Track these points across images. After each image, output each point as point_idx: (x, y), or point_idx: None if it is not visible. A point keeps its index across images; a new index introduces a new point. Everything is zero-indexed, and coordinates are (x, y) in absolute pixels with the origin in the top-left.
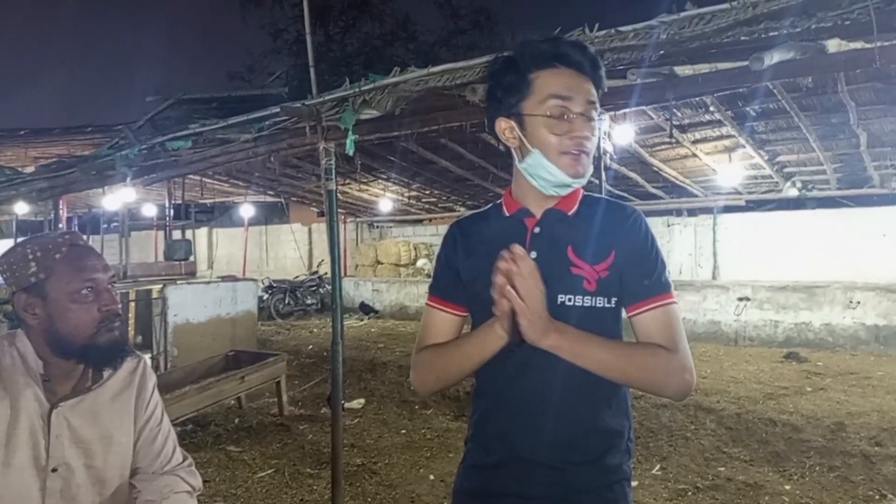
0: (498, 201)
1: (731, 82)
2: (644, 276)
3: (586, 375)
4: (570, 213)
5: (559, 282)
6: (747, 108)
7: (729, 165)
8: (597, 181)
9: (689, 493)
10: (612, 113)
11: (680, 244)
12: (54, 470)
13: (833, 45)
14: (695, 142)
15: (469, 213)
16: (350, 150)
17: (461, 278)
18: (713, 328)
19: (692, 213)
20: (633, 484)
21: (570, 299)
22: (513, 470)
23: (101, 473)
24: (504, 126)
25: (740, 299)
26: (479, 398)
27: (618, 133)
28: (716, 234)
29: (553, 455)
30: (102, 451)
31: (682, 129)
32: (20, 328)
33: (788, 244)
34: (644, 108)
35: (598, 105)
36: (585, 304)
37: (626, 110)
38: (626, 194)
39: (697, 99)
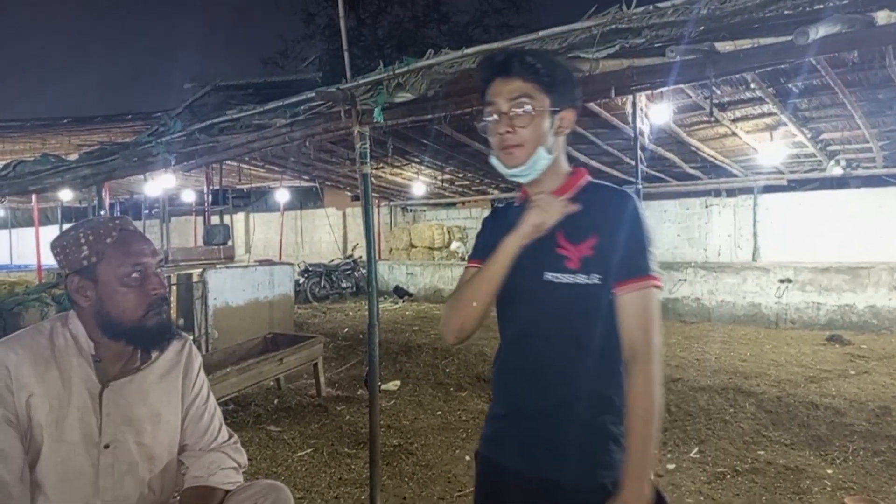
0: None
1: (774, 58)
2: (625, 258)
3: (580, 348)
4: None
5: (546, 260)
6: (790, 85)
7: (770, 144)
8: (632, 162)
9: (728, 477)
10: (648, 92)
11: (719, 225)
12: (106, 446)
13: (882, 16)
14: (735, 120)
15: (505, 201)
16: (378, 118)
17: (488, 249)
18: (753, 311)
19: (731, 193)
20: (670, 467)
21: (554, 276)
22: (515, 420)
23: (150, 450)
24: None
25: (781, 281)
26: (495, 361)
27: (655, 112)
28: (756, 214)
29: (548, 411)
30: (152, 428)
31: (722, 107)
32: (72, 310)
33: (832, 224)
34: (682, 86)
35: (532, 95)
36: (567, 281)
37: (664, 89)
38: (662, 175)
39: (738, 76)
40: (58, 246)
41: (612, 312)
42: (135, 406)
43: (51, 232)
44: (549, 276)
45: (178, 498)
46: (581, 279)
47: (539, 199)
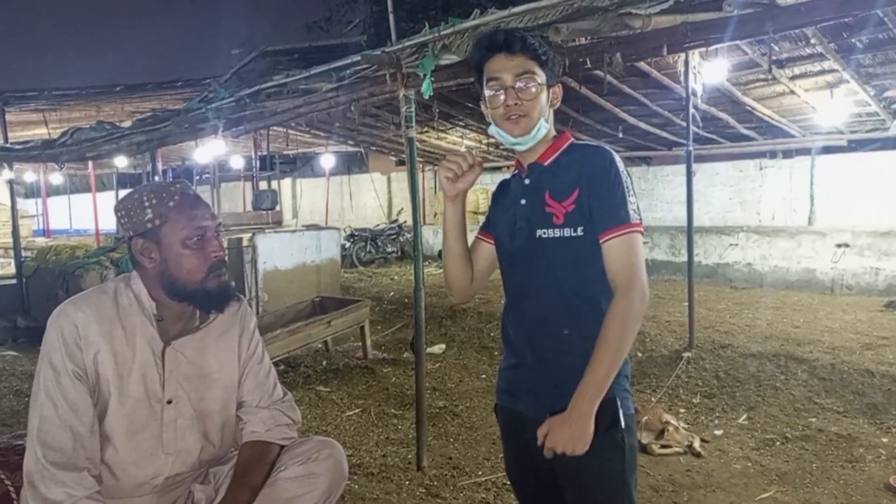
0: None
1: (838, 11)
2: (605, 209)
3: (572, 297)
4: (546, 164)
5: (538, 219)
6: (853, 40)
7: (830, 102)
8: (683, 123)
9: (777, 443)
10: (702, 49)
11: (773, 188)
12: (169, 402)
13: None
14: (793, 78)
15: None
16: (426, 94)
17: (491, 221)
18: (807, 276)
19: (787, 154)
20: (717, 433)
21: (545, 233)
22: (522, 371)
23: (210, 406)
24: (483, 107)
25: (838, 245)
26: (502, 319)
27: (708, 71)
28: (813, 176)
29: (549, 359)
30: (211, 385)
31: (780, 64)
32: (135, 271)
33: (894, 187)
34: (738, 42)
35: (535, 71)
36: (555, 235)
37: (719, 45)
38: (715, 136)
39: (798, 31)
40: (122, 209)
41: (598, 261)
42: (195, 364)
43: (107, 198)
44: (540, 232)
45: (237, 451)
46: (567, 232)
47: (444, 162)
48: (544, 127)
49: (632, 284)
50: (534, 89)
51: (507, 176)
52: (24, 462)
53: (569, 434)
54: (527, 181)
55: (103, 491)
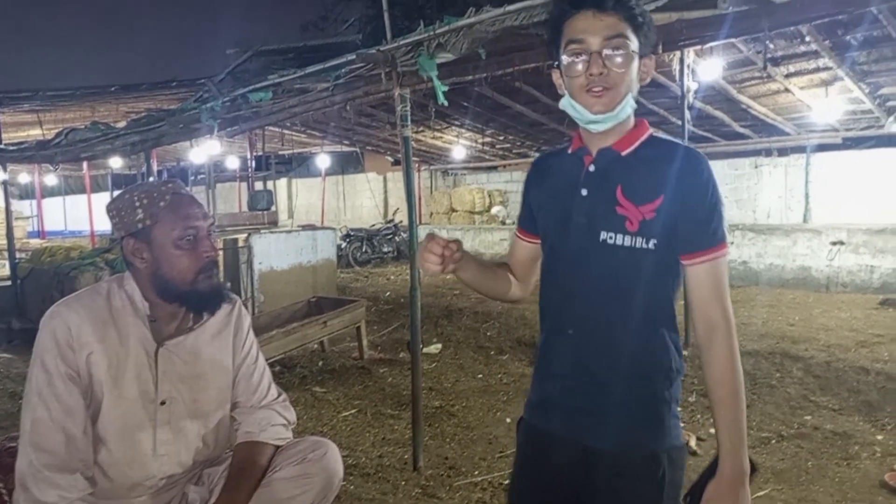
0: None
1: (833, 8)
2: (699, 227)
3: (625, 308)
4: (623, 154)
5: (604, 219)
6: (848, 37)
7: (825, 100)
8: (678, 122)
9: (773, 441)
10: (697, 47)
11: (769, 186)
12: (163, 403)
13: None
14: (788, 75)
15: (548, 150)
16: (440, 100)
17: (532, 209)
18: (803, 274)
19: (783, 152)
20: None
21: (611, 237)
22: (560, 386)
23: (204, 406)
24: (556, 76)
25: (833, 243)
26: (542, 321)
27: (703, 69)
28: (808, 174)
29: (594, 376)
30: (205, 385)
31: (775, 61)
32: (128, 272)
33: (889, 184)
34: (733, 40)
35: (628, 35)
36: (625, 244)
37: (715, 43)
38: (710, 134)
39: (793, 29)
40: (113, 209)
41: (664, 278)
42: (188, 364)
43: (102, 198)
44: (604, 235)
45: (231, 452)
46: (639, 243)
47: (421, 262)
48: (630, 105)
49: (728, 325)
50: (624, 58)
51: (554, 151)
52: (16, 464)
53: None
54: (591, 168)
55: (97, 493)
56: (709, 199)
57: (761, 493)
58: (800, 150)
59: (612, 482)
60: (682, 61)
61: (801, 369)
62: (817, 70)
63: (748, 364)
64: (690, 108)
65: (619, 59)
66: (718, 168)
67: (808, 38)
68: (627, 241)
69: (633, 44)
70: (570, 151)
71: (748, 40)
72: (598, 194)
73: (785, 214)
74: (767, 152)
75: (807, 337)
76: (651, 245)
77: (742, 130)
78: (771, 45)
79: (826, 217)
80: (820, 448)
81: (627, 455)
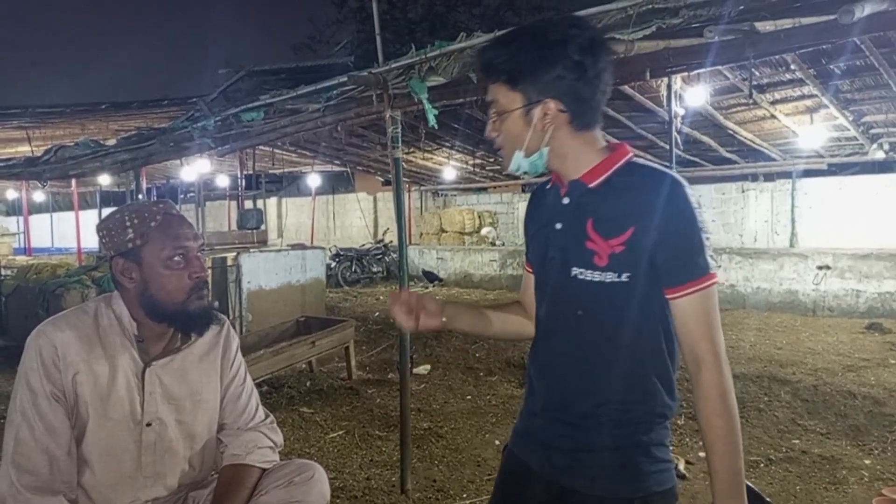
0: None
1: (816, 38)
2: (678, 258)
3: (604, 347)
4: (591, 185)
5: (574, 254)
6: (832, 66)
7: (810, 127)
8: (666, 146)
9: (762, 465)
10: (684, 74)
11: (755, 211)
12: (149, 424)
13: None
14: (774, 102)
15: (542, 182)
16: (431, 122)
17: (528, 243)
18: (790, 298)
19: (769, 177)
20: (702, 454)
21: (581, 273)
22: (542, 418)
23: (190, 428)
24: None
25: (820, 268)
26: (529, 355)
27: (690, 95)
28: (794, 199)
29: (572, 415)
30: (192, 407)
31: (761, 88)
32: (116, 291)
33: (873, 210)
34: (720, 67)
35: (499, 97)
36: (595, 279)
37: (701, 70)
38: (698, 159)
39: (778, 57)
40: (103, 228)
41: (647, 313)
42: (176, 385)
43: (90, 216)
44: (576, 271)
45: (217, 475)
46: (609, 277)
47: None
48: (524, 162)
49: (717, 361)
50: (495, 122)
51: (544, 182)
52: None
53: None
54: (565, 200)
55: None
56: (686, 229)
57: None
58: (786, 175)
59: None
60: (669, 87)
61: (788, 393)
62: (802, 97)
63: (736, 387)
64: (678, 132)
65: (494, 123)
66: (706, 192)
67: (792, 67)
68: (597, 276)
69: (508, 102)
70: (548, 187)
71: (734, 67)
72: (570, 228)
73: (771, 238)
74: (754, 177)
75: (794, 361)
76: (625, 278)
77: (729, 155)
78: (757, 73)
79: (812, 241)
80: (808, 472)
81: (603, 499)
